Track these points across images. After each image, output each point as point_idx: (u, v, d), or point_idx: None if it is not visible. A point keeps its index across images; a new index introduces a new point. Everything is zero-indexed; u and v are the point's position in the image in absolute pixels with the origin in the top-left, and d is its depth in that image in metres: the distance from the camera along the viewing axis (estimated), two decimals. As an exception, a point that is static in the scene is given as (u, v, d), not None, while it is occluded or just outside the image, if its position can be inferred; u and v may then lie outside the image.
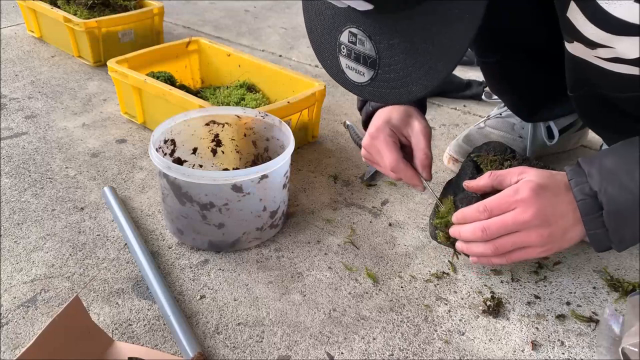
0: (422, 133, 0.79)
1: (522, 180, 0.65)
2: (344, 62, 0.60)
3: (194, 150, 0.92)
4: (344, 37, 0.58)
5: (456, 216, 0.70)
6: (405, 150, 0.81)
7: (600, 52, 0.58)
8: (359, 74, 0.59)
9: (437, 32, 0.51)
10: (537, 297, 0.76)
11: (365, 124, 0.87)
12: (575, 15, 0.57)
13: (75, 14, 1.42)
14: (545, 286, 0.78)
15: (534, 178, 0.64)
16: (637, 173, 0.59)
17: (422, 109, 0.85)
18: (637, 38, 0.53)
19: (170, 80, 1.14)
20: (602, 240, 0.62)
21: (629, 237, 0.61)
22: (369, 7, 0.50)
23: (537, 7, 0.78)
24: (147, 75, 1.12)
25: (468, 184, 0.72)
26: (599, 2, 0.53)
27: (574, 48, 0.63)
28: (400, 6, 0.52)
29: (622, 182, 0.59)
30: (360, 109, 0.89)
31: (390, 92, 0.57)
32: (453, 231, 0.71)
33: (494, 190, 0.69)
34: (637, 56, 0.55)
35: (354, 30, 0.56)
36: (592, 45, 0.58)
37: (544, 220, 0.63)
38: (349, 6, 0.53)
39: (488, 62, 0.94)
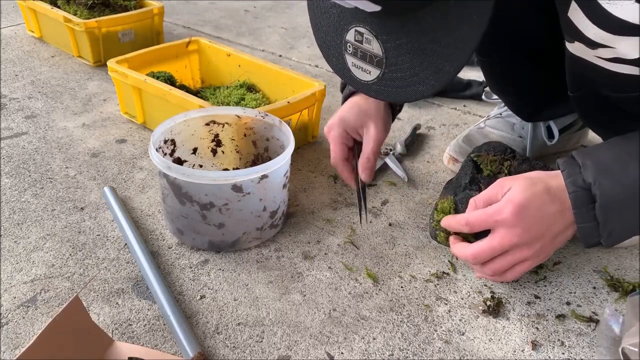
0: (373, 139, 0.81)
1: (505, 198, 0.64)
2: (350, 60, 0.60)
3: (194, 150, 0.92)
4: (350, 36, 0.58)
5: (442, 222, 0.72)
6: (358, 147, 0.85)
7: (601, 52, 0.58)
8: (366, 73, 0.59)
9: (444, 33, 0.51)
10: (537, 297, 0.76)
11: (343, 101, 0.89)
12: (577, 15, 0.57)
13: (75, 14, 1.42)
14: (545, 286, 0.78)
15: (516, 195, 0.63)
16: (631, 167, 0.59)
17: (392, 106, 0.87)
18: (638, 38, 0.53)
19: (170, 80, 1.14)
20: (592, 234, 0.62)
21: (618, 232, 0.61)
22: (376, 8, 0.50)
23: (538, 7, 0.78)
24: (147, 75, 1.12)
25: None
26: (600, 2, 0.53)
27: (575, 48, 0.63)
28: (408, 7, 0.51)
29: (617, 175, 0.59)
30: (342, 91, 0.91)
31: (397, 91, 0.57)
32: (450, 244, 0.72)
33: None
34: (638, 56, 0.55)
35: (361, 29, 0.56)
36: (592, 45, 0.58)
37: (531, 237, 0.63)
38: (355, 6, 0.53)
39: (488, 62, 0.94)
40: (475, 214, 0.66)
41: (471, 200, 0.69)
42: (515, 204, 0.62)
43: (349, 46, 0.59)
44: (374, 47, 0.56)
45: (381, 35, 0.55)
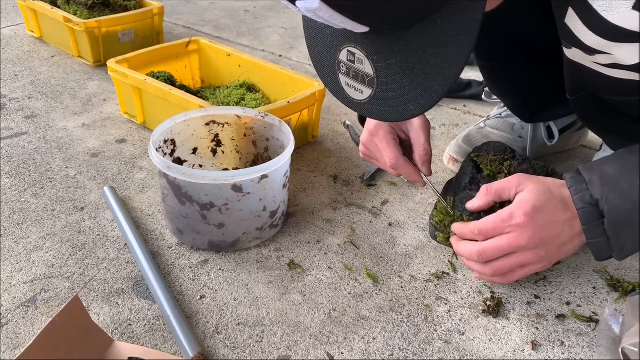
0: (421, 128, 0.79)
1: (518, 199, 0.64)
2: (343, 80, 0.60)
3: (194, 150, 0.92)
4: (343, 56, 0.58)
5: (453, 228, 0.71)
6: (403, 145, 0.81)
7: (599, 58, 0.58)
8: (358, 92, 0.59)
9: (432, 53, 0.51)
10: (537, 297, 0.76)
11: (362, 118, 0.86)
12: (574, 22, 0.57)
13: (75, 14, 1.42)
14: (545, 286, 0.78)
15: (530, 198, 0.63)
16: (638, 180, 0.59)
17: None
18: (636, 45, 0.53)
19: (170, 80, 1.14)
20: (603, 249, 0.62)
21: (630, 246, 0.61)
22: (365, 29, 0.50)
23: (537, 11, 0.78)
24: (147, 75, 1.12)
25: (470, 206, 0.70)
26: (597, 9, 0.53)
27: (573, 54, 0.63)
28: (396, 27, 0.52)
29: (624, 190, 0.59)
30: None
31: (389, 110, 0.57)
32: (453, 243, 0.71)
33: (496, 205, 0.69)
34: (635, 62, 0.55)
35: (353, 49, 0.57)
36: (590, 51, 0.58)
37: (540, 242, 0.63)
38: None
39: (488, 65, 0.94)
40: (487, 220, 0.65)
41: (483, 187, 0.69)
42: (529, 206, 0.62)
43: (342, 66, 0.59)
44: (366, 66, 0.56)
45: (372, 55, 0.55)
